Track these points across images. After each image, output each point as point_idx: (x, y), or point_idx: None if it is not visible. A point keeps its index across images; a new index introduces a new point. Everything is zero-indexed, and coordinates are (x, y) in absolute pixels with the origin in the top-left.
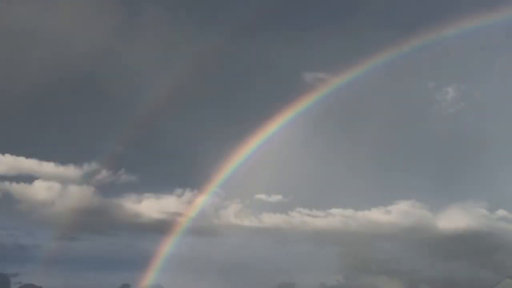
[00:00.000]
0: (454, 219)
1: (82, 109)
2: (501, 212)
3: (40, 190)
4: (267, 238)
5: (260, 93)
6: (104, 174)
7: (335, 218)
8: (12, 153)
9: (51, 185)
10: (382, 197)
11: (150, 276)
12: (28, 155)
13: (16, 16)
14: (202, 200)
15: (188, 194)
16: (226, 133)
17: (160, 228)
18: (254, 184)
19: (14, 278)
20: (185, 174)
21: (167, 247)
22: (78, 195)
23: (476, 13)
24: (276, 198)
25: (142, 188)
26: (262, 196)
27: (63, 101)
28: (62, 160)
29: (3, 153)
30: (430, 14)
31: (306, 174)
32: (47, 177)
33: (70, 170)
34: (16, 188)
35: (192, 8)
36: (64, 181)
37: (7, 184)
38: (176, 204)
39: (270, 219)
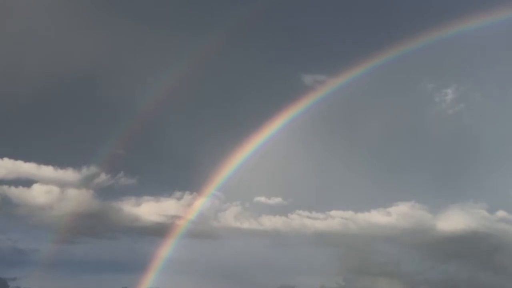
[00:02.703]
0: (454, 220)
1: (81, 113)
2: (500, 213)
3: (38, 194)
4: (266, 240)
5: (259, 95)
6: (103, 177)
7: (335, 220)
8: (10, 157)
9: (50, 188)
10: (382, 198)
11: (149, 279)
12: (26, 159)
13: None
14: (201, 203)
15: (187, 197)
16: (226, 135)
17: (160, 231)
18: (254, 187)
19: (12, 283)
20: (184, 177)
21: (166, 250)
22: (77, 198)
23: (476, 13)
24: (275, 200)
25: (141, 191)
26: (262, 199)
27: (61, 105)
28: (60, 163)
29: (1, 157)
30: (430, 14)
31: (305, 176)
32: (46, 181)
33: (69, 174)
34: (15, 192)
35: (190, 8)
36: (62, 184)
37: (5, 188)
38: (175, 207)
39: (270, 222)
